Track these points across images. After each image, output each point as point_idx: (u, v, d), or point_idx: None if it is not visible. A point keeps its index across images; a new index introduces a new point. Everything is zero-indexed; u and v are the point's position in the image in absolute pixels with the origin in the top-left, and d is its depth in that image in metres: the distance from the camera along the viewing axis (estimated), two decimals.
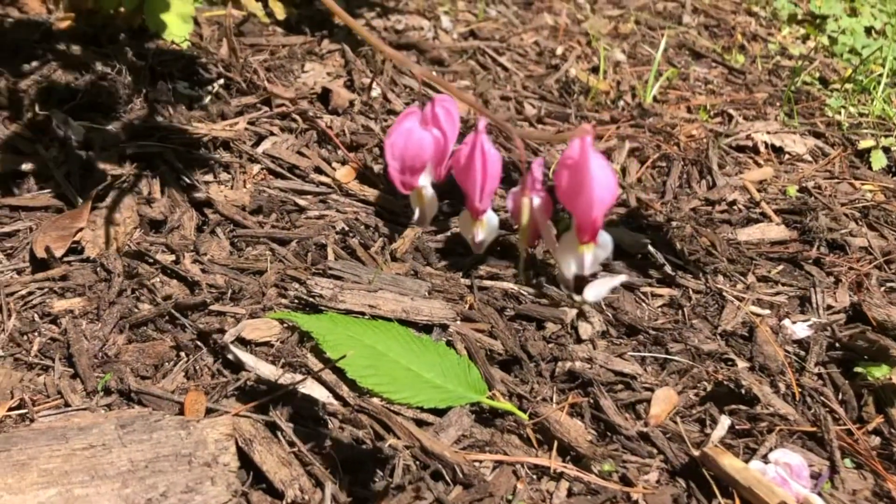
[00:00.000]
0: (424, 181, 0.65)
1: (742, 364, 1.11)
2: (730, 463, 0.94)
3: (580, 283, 0.62)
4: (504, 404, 1.00)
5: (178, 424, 0.88)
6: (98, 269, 1.08)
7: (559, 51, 2.07)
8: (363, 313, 1.08)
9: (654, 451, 0.99)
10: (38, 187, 1.17)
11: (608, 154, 1.60)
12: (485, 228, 0.64)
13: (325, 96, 1.49)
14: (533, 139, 0.64)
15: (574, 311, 1.15)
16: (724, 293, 1.23)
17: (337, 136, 1.40)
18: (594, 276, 0.63)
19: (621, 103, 1.86)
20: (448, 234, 1.27)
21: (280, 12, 1.69)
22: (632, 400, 1.05)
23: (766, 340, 1.14)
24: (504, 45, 2.03)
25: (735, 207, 1.47)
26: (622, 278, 0.73)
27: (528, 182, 0.63)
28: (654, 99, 1.90)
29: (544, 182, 0.67)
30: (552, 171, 1.37)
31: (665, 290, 1.24)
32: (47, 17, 1.49)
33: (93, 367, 0.96)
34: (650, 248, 1.29)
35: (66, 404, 0.92)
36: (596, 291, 0.67)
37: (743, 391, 1.05)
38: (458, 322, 1.11)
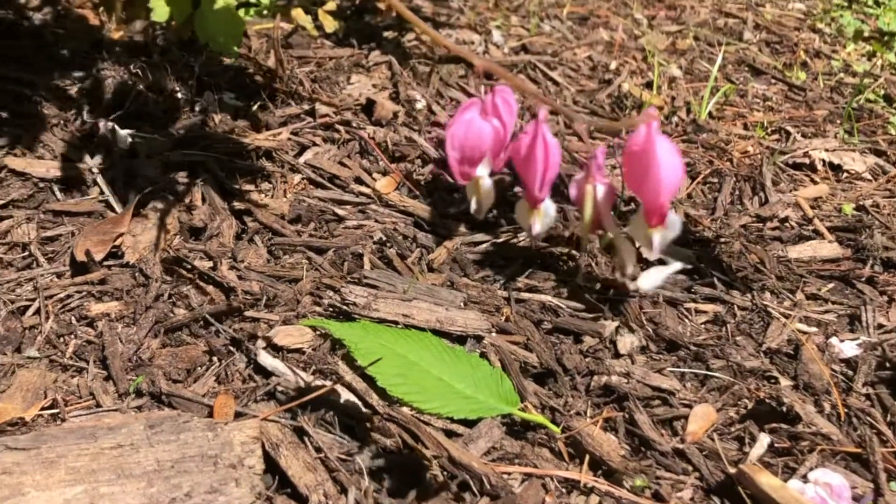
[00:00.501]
0: (482, 171, 0.66)
1: (785, 382, 1.09)
2: (767, 481, 0.92)
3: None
4: (535, 416, 0.99)
5: (205, 426, 0.89)
6: (137, 273, 1.11)
7: (613, 66, 2.07)
8: (397, 322, 1.09)
9: (690, 467, 0.98)
10: (83, 193, 1.21)
11: None
12: (542, 218, 0.65)
13: (368, 107, 1.51)
14: (597, 127, 0.64)
15: (613, 325, 1.14)
16: (771, 310, 1.21)
17: (379, 147, 1.42)
18: (647, 265, 0.64)
19: (675, 119, 1.85)
20: (487, 245, 1.28)
21: (329, 25, 1.72)
22: (668, 416, 1.04)
23: (812, 358, 1.12)
24: (556, 59, 2.03)
25: (787, 224, 1.45)
26: (677, 266, 0.73)
27: (592, 169, 0.64)
28: (710, 115, 1.88)
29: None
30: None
31: (710, 307, 1.22)
32: (101, 29, 1.54)
33: (126, 370, 0.99)
34: (696, 263, 1.27)
35: (98, 405, 0.94)
36: (652, 280, 0.68)
37: (784, 409, 1.03)
38: (494, 334, 1.11)
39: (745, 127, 1.88)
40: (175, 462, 0.85)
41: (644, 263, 1.16)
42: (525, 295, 1.19)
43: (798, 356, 1.13)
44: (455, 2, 2.28)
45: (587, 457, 0.97)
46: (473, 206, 0.67)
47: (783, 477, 0.97)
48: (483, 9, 2.31)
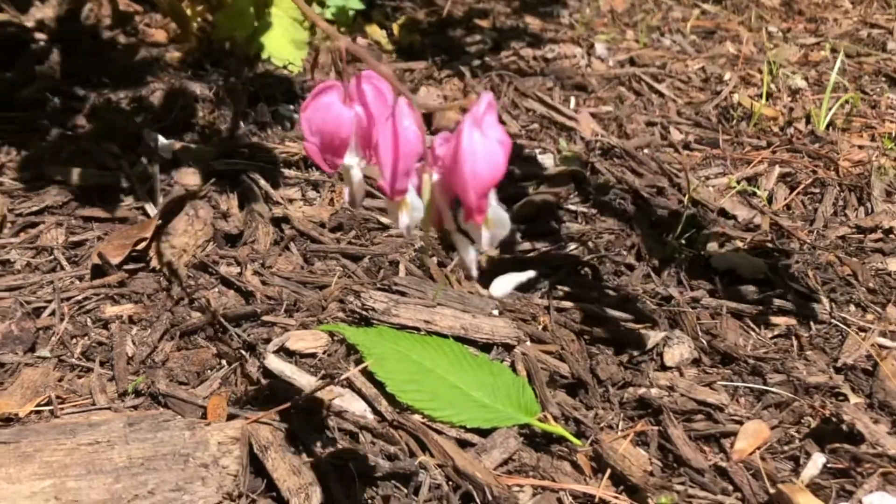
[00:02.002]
0: (351, 161, 0.62)
1: (856, 400, 1.00)
2: (805, 502, 0.84)
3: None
4: (554, 427, 0.94)
5: (185, 426, 0.89)
6: (160, 278, 1.13)
7: (726, 77, 1.98)
8: (418, 328, 1.06)
9: (730, 487, 0.91)
10: (120, 200, 1.25)
11: (754, 179, 1.50)
12: (409, 211, 0.60)
13: (428, 118, 1.50)
14: (429, 109, 0.59)
15: (660, 336, 1.08)
16: (850, 324, 1.11)
17: None
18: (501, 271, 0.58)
19: (791, 130, 1.75)
20: (532, 253, 1.23)
21: (405, 40, 1.73)
22: (712, 432, 0.97)
23: (890, 375, 1.02)
24: (664, 71, 1.97)
25: (891, 236, 1.34)
26: (531, 274, 0.67)
27: (429, 157, 0.58)
28: (832, 126, 1.77)
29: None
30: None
31: (782, 319, 1.14)
32: (165, 45, 1.61)
33: (136, 372, 1.00)
34: (770, 274, 1.19)
35: (93, 403, 0.96)
36: (502, 286, 0.62)
37: (844, 427, 0.93)
38: (528, 343, 1.07)
39: (873, 138, 1.75)
40: (146, 459, 0.85)
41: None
42: (566, 303, 1.14)
43: (875, 373, 1.03)
44: (565, 18, 2.26)
45: (608, 471, 0.91)
46: (346, 197, 0.63)
47: (838, 499, 0.88)
48: (599, 24, 2.28)
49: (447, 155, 0.54)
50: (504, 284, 0.69)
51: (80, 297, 1.09)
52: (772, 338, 1.12)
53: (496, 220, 0.55)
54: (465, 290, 1.15)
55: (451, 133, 0.55)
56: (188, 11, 1.63)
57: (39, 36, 1.61)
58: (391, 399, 0.97)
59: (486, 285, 1.16)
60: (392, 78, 0.59)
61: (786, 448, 0.95)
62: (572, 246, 1.25)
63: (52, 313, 1.07)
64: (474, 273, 0.59)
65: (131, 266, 1.14)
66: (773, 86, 1.96)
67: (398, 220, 0.60)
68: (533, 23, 2.19)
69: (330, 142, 0.61)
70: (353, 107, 0.61)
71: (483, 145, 0.51)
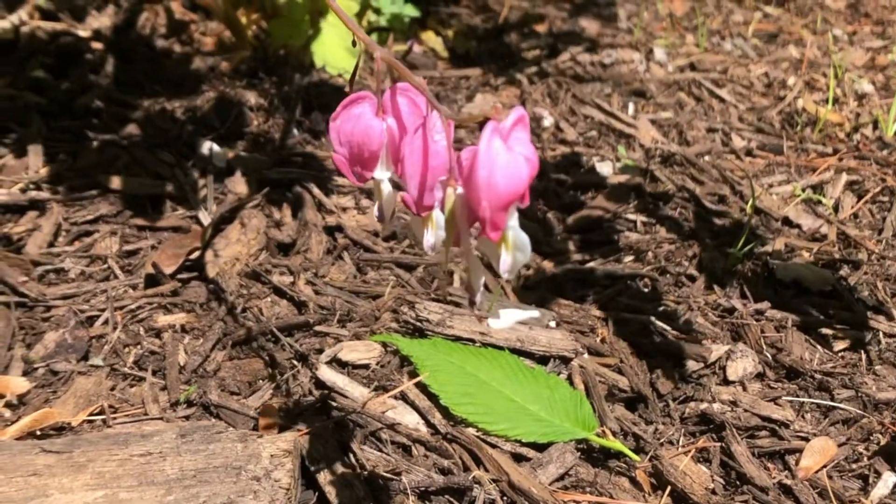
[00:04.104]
0: (381, 174, 0.61)
1: None
2: None
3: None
4: (612, 442, 0.93)
5: (237, 437, 0.89)
6: (213, 287, 1.13)
7: (790, 82, 1.95)
8: (473, 340, 1.05)
9: None
10: (172, 209, 1.25)
11: (819, 187, 1.47)
12: (435, 230, 0.58)
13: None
14: (459, 121, 0.57)
15: (723, 349, 1.05)
16: None
17: None
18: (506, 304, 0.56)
19: (857, 136, 1.71)
20: (592, 264, 1.22)
21: (460, 47, 1.73)
22: (777, 448, 0.94)
23: None
24: (725, 77, 1.94)
25: None
26: (535, 313, 0.64)
27: (456, 171, 0.56)
28: None
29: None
30: None
31: (850, 333, 1.11)
32: (218, 54, 1.62)
33: (188, 382, 1.00)
34: (837, 286, 1.16)
35: (145, 413, 0.96)
36: (503, 321, 0.60)
37: None
38: (586, 355, 1.06)
39: None
40: (198, 471, 0.85)
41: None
42: (626, 315, 1.12)
43: None
44: (623, 23, 2.24)
45: (668, 489, 0.89)
46: (375, 211, 0.62)
47: None
48: (657, 29, 2.25)
49: (466, 164, 0.52)
50: (505, 319, 0.66)
51: (133, 306, 1.10)
52: (839, 351, 1.09)
53: (517, 244, 0.52)
54: (521, 302, 1.13)
55: (467, 149, 0.53)
56: (243, 20, 1.64)
57: (95, 45, 1.63)
58: (445, 412, 0.97)
59: (530, 302, 1.14)
60: (426, 90, 0.57)
61: (854, 466, 0.93)
62: (631, 256, 1.23)
63: (106, 322, 1.07)
64: (478, 300, 0.57)
65: (184, 275, 1.15)
66: (838, 90, 1.92)
67: (422, 238, 0.58)
68: (590, 27, 2.17)
69: (359, 154, 0.59)
70: (385, 119, 0.59)
71: (505, 156, 0.49)
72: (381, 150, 0.59)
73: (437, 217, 0.56)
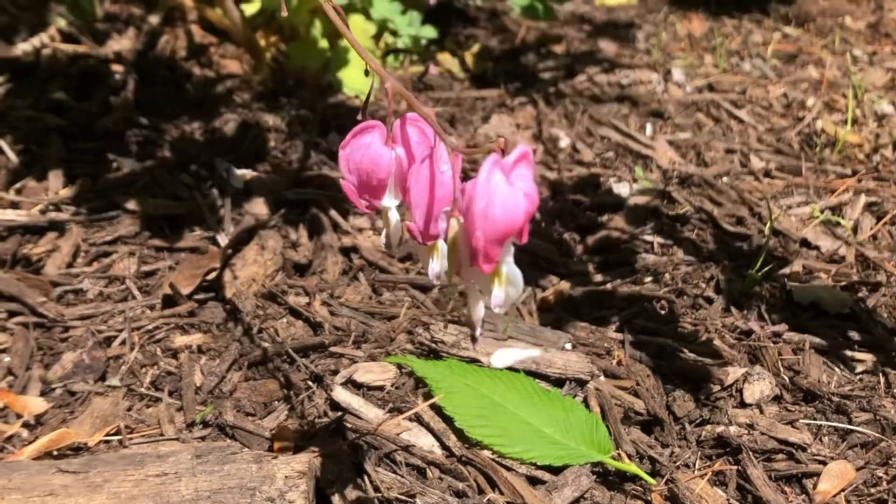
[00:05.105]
0: (389, 202, 0.62)
1: None
2: None
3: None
4: (627, 466, 0.93)
5: (252, 458, 0.89)
6: (229, 308, 1.14)
7: (810, 102, 1.95)
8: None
9: None
10: (190, 230, 1.27)
11: (838, 208, 1.47)
12: (439, 257, 0.59)
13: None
14: (465, 153, 0.57)
15: (740, 372, 1.05)
16: None
17: None
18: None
19: (877, 157, 1.71)
20: (609, 285, 1.22)
21: (477, 68, 1.74)
22: (794, 472, 0.94)
23: None
24: (744, 97, 1.94)
25: None
26: (535, 353, 0.64)
27: (459, 201, 0.56)
28: None
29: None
30: None
31: (868, 356, 1.11)
32: (239, 77, 1.64)
33: (204, 402, 1.01)
34: (855, 308, 1.16)
35: (161, 434, 0.97)
36: (504, 359, 0.61)
37: None
38: (602, 378, 1.06)
39: None
40: (213, 492, 0.86)
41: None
42: (643, 338, 1.12)
43: None
44: (641, 43, 2.24)
45: None
46: (382, 238, 0.63)
47: None
48: (676, 49, 2.26)
49: (464, 195, 0.52)
50: (505, 357, 0.67)
51: (150, 327, 1.11)
52: (857, 374, 1.08)
53: (510, 278, 0.53)
54: (536, 324, 1.14)
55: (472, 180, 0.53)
56: (262, 42, 1.66)
57: (116, 67, 1.65)
58: (460, 434, 0.97)
59: (546, 324, 1.15)
60: (433, 121, 0.58)
61: (872, 490, 0.92)
62: (648, 278, 1.23)
63: (123, 342, 1.09)
64: (478, 332, 0.57)
65: (201, 296, 1.16)
66: (858, 111, 1.91)
67: (427, 267, 0.59)
68: (608, 48, 2.17)
69: (367, 182, 0.61)
70: (394, 148, 0.60)
71: (504, 189, 0.49)
72: (390, 179, 0.60)
73: (442, 246, 0.57)
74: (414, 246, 0.61)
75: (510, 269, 0.53)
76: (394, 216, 0.62)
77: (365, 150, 0.60)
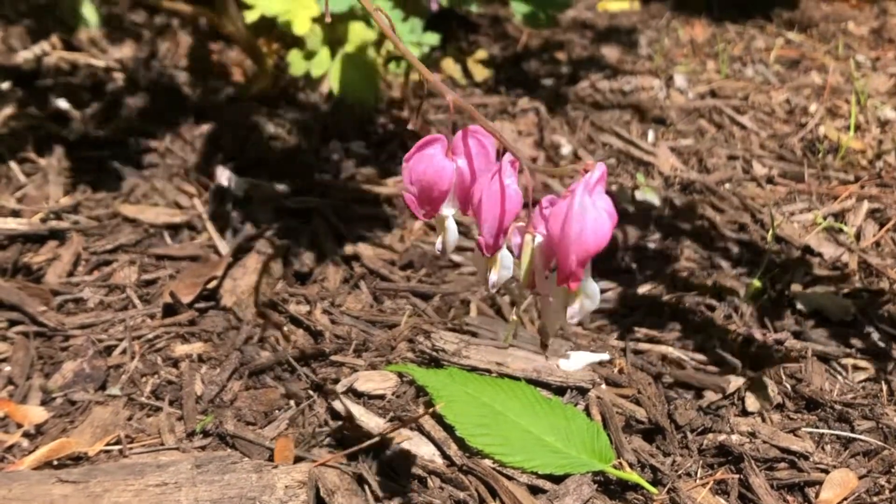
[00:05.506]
0: (448, 211, 0.64)
1: None
2: None
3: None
4: (629, 475, 0.92)
5: (252, 468, 0.89)
6: (230, 317, 1.14)
7: (812, 108, 1.94)
8: (489, 371, 1.05)
9: None
10: (191, 238, 1.27)
11: (841, 215, 1.47)
12: (499, 269, 0.63)
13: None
14: (545, 174, 0.62)
15: (742, 380, 1.05)
16: None
17: None
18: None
19: (880, 163, 1.70)
20: (610, 293, 1.22)
21: (479, 74, 1.74)
22: (796, 480, 0.94)
23: None
24: (746, 103, 1.94)
25: None
26: (605, 357, 0.67)
27: (535, 217, 0.60)
28: None
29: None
30: None
31: (870, 364, 1.10)
32: (239, 84, 1.64)
33: (204, 411, 1.01)
34: (858, 316, 1.16)
35: (161, 443, 0.97)
36: (574, 363, 0.65)
37: None
38: (603, 386, 1.06)
39: None
40: (213, 502, 0.86)
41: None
42: (644, 346, 1.12)
43: None
44: (644, 49, 2.24)
45: None
46: (438, 245, 0.65)
47: None
48: (678, 55, 2.26)
49: (555, 218, 0.55)
50: (577, 361, 0.70)
51: (150, 336, 1.11)
52: (860, 382, 1.08)
53: (588, 293, 0.57)
54: (537, 332, 1.13)
55: (558, 196, 0.56)
56: (264, 49, 1.66)
57: (117, 75, 1.66)
58: (461, 443, 0.97)
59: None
60: (499, 135, 0.61)
61: (875, 499, 0.92)
62: (649, 285, 1.23)
63: (124, 351, 1.09)
64: (549, 343, 0.60)
65: (202, 304, 1.16)
66: (861, 117, 1.91)
67: (486, 277, 0.63)
68: (610, 54, 2.17)
69: (429, 192, 0.63)
70: (455, 160, 0.63)
71: (592, 214, 0.53)
72: (451, 190, 0.62)
73: (503, 257, 0.60)
74: (473, 259, 0.65)
75: (589, 285, 0.56)
76: (451, 225, 0.65)
77: (428, 163, 0.63)
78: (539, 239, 0.59)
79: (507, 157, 0.61)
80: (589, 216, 0.52)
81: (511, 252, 0.62)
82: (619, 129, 1.69)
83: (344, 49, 1.53)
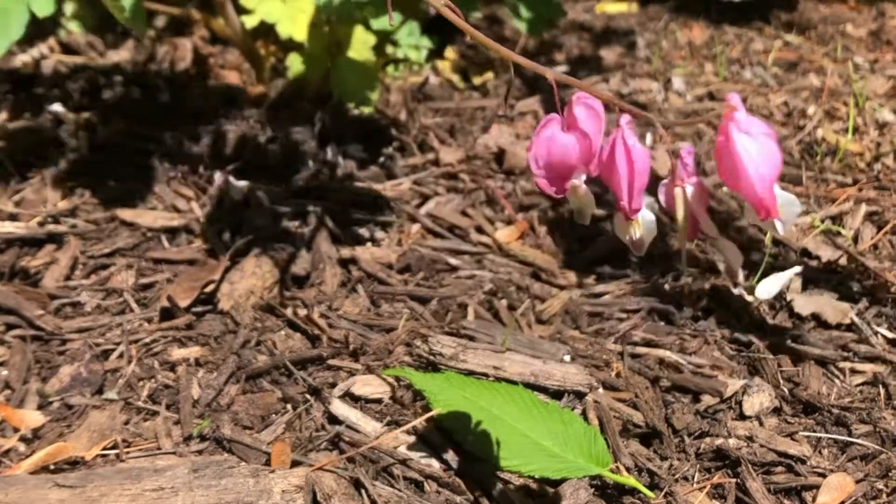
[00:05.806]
0: (577, 179, 0.67)
1: None
2: None
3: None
4: (626, 479, 0.92)
5: (249, 473, 0.89)
6: (227, 320, 1.14)
7: (810, 111, 1.95)
8: (486, 375, 1.05)
9: None
10: (189, 242, 1.27)
11: (838, 217, 1.47)
12: (641, 227, 0.66)
13: (500, 156, 1.50)
14: (676, 125, 0.67)
15: (739, 384, 1.05)
16: None
17: (507, 197, 1.40)
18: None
19: (878, 166, 1.70)
20: (608, 296, 1.22)
21: (478, 78, 1.74)
22: (794, 485, 0.94)
23: None
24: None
25: None
26: (797, 269, 0.71)
27: (677, 171, 0.64)
28: None
29: (696, 168, 0.68)
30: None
31: (868, 367, 1.10)
32: (239, 88, 1.65)
33: (201, 416, 1.01)
34: (856, 319, 1.16)
35: (158, 448, 0.97)
36: (770, 288, 0.70)
37: None
38: (600, 390, 1.06)
39: None
40: None
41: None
42: (642, 349, 1.12)
43: None
44: (642, 51, 2.25)
45: None
46: (576, 212, 0.69)
47: None
48: (676, 57, 2.26)
49: (723, 158, 0.59)
50: (771, 286, 0.72)
51: (148, 340, 1.11)
52: (857, 386, 1.08)
53: (785, 203, 0.60)
54: (535, 336, 1.14)
55: (693, 146, 0.61)
56: (262, 52, 1.66)
57: (116, 79, 1.66)
58: (458, 447, 0.97)
59: (545, 336, 1.15)
60: (608, 97, 0.63)
61: (872, 503, 0.92)
62: (647, 289, 1.23)
63: (121, 356, 1.09)
64: (741, 278, 0.64)
65: (199, 308, 1.16)
66: (859, 120, 1.91)
67: (632, 238, 0.67)
68: (608, 56, 2.18)
69: (559, 170, 0.66)
70: (573, 132, 0.65)
71: (756, 146, 0.56)
72: (578, 161, 0.65)
73: (644, 216, 0.66)
74: (615, 225, 0.68)
75: (784, 197, 0.60)
76: (583, 189, 0.67)
77: (550, 143, 0.66)
78: (690, 189, 0.62)
79: (625, 118, 0.64)
80: (753, 150, 0.55)
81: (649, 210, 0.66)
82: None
83: (343, 52, 1.53)
